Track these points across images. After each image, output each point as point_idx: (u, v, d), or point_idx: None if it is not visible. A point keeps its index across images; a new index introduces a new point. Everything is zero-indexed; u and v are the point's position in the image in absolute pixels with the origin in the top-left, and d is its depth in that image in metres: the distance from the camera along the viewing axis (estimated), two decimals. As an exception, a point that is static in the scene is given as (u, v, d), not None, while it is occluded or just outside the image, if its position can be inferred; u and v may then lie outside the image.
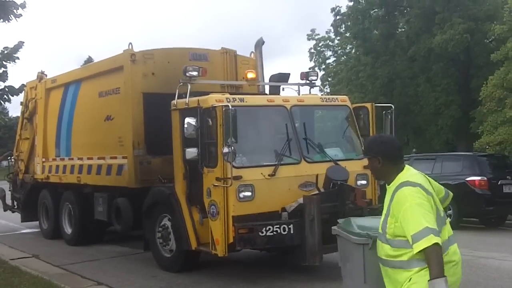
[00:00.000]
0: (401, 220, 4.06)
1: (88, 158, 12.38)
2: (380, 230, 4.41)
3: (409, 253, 4.02)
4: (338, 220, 5.96)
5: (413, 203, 4.03)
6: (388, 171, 4.36)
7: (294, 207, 8.93)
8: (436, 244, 3.90)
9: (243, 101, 9.28)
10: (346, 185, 9.36)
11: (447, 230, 4.26)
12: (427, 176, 4.38)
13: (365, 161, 10.29)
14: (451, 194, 4.72)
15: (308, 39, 39.92)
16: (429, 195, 4.12)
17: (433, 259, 3.91)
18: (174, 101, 9.68)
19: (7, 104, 14.48)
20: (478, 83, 24.41)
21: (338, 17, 31.69)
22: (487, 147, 20.80)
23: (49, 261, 11.51)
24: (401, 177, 4.25)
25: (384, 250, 4.27)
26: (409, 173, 4.29)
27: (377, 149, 4.41)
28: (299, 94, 11.03)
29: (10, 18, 12.02)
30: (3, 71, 12.93)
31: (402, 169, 4.31)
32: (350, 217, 6.07)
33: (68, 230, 13.71)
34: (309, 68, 34.24)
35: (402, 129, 27.88)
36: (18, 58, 12.86)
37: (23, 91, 14.78)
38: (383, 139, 4.61)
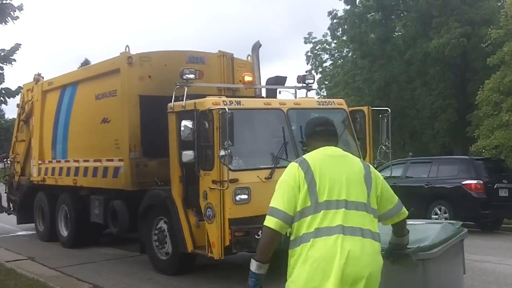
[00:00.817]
0: None
1: (85, 161, 12.36)
2: None
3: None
4: None
5: (280, 179, 3.88)
6: (309, 151, 4.07)
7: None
8: (267, 226, 3.71)
9: (240, 104, 9.29)
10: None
11: (325, 218, 3.66)
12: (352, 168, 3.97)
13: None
14: (404, 212, 4.22)
15: (305, 43, 40.03)
16: (305, 169, 3.78)
17: (261, 238, 3.83)
18: (171, 104, 9.68)
19: (3, 106, 14.47)
20: (474, 87, 24.44)
21: (335, 21, 31.73)
22: (483, 151, 20.83)
23: (45, 263, 11.49)
24: None
25: None
26: (312, 152, 4.00)
27: (304, 132, 4.27)
28: (295, 97, 11.04)
29: (7, 20, 12.00)
30: (0, 73, 12.90)
31: (321, 147, 4.02)
32: None
33: (64, 232, 13.68)
34: (306, 71, 34.16)
35: (399, 132, 27.92)
36: (14, 60, 12.83)
37: (20, 93, 14.74)
38: (308, 121, 4.33)
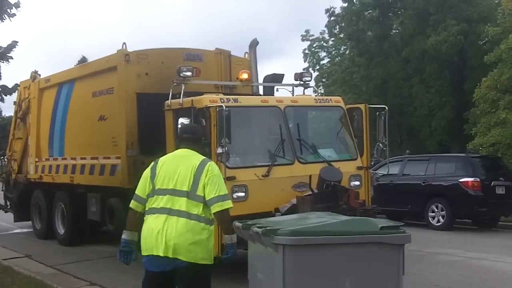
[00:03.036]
0: None
1: (81, 158, 12.35)
2: None
3: None
4: (237, 222, 6.03)
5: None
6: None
7: (287, 208, 8.94)
8: (129, 206, 5.27)
9: (237, 102, 9.30)
10: (340, 186, 9.38)
11: (157, 201, 5.03)
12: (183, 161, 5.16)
13: (359, 162, 10.40)
14: (223, 205, 5.03)
15: (302, 40, 40.00)
16: (153, 166, 5.24)
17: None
18: (168, 101, 9.67)
19: (0, 104, 14.46)
20: (471, 84, 24.43)
21: (332, 18, 31.69)
22: (480, 148, 20.86)
23: (42, 261, 11.47)
24: None
25: None
26: (174, 152, 5.45)
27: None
28: (293, 95, 11.04)
29: (4, 17, 12.01)
30: (-3, 70, 12.91)
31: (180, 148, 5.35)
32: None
33: (61, 230, 13.66)
34: (303, 69, 34.31)
35: (396, 130, 27.90)
36: (11, 57, 12.87)
37: (17, 91, 14.74)
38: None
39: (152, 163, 5.31)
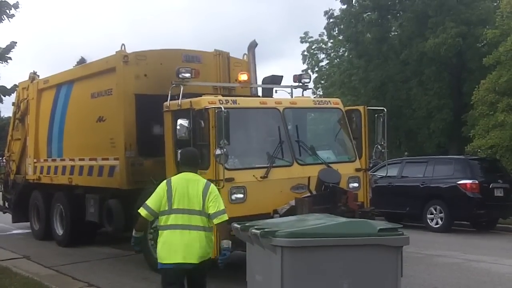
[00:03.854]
0: None
1: (80, 159, 12.34)
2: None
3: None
4: (235, 224, 6.33)
5: (156, 189, 6.31)
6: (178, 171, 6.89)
7: (286, 209, 8.93)
8: (140, 214, 6.26)
9: (236, 103, 9.29)
10: (338, 187, 9.38)
11: (174, 219, 6.12)
12: (192, 181, 6.25)
13: (357, 164, 10.40)
14: (222, 218, 6.14)
15: (301, 42, 40.07)
16: (168, 187, 6.20)
17: (138, 219, 6.37)
18: (167, 103, 9.67)
19: (-1, 105, 14.46)
20: (470, 87, 24.46)
21: (331, 20, 31.74)
22: (478, 150, 20.85)
23: (40, 262, 11.46)
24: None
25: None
26: (177, 175, 6.45)
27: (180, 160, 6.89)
28: (291, 97, 11.04)
29: (3, 18, 12.01)
30: (-5, 71, 12.90)
31: (184, 172, 6.39)
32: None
33: (59, 231, 13.65)
34: (302, 71, 34.38)
35: (394, 132, 27.95)
36: (10, 58, 12.88)
37: (15, 92, 14.73)
38: (181, 151, 6.93)
39: (165, 184, 6.28)
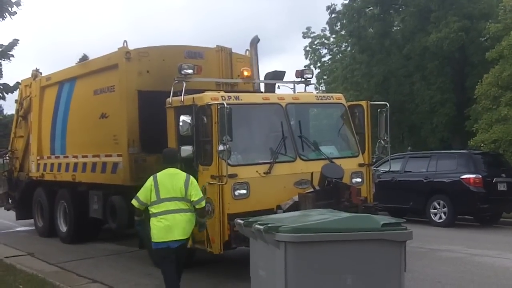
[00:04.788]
0: None
1: (83, 156, 12.36)
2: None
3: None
4: (239, 220, 6.42)
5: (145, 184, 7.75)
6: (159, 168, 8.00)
7: (289, 205, 8.94)
8: (133, 204, 7.78)
9: (238, 99, 9.29)
10: (341, 183, 9.37)
11: (165, 206, 7.54)
12: (175, 175, 7.75)
13: (360, 159, 10.40)
14: (201, 204, 7.69)
15: (304, 37, 40.00)
16: (154, 181, 7.65)
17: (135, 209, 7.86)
18: (169, 99, 9.67)
19: (1, 102, 14.52)
20: (473, 81, 24.40)
21: (333, 15, 31.64)
22: (481, 145, 20.79)
23: (44, 259, 11.51)
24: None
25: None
26: (162, 171, 7.80)
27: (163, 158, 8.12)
28: (294, 92, 11.03)
29: (5, 15, 12.01)
30: (-2, 69, 12.92)
31: (167, 168, 7.86)
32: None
33: (63, 228, 13.69)
34: (305, 66, 34.28)
35: (397, 127, 27.90)
36: (12, 55, 12.87)
37: (18, 89, 14.75)
38: (163, 151, 8.28)
39: (152, 179, 7.71)
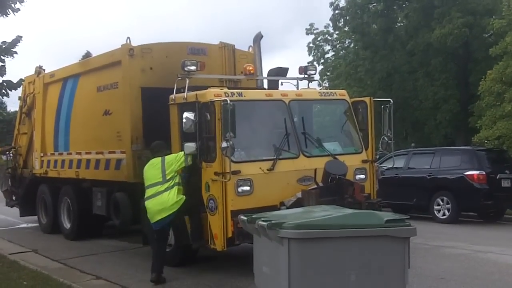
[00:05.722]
0: None
1: (87, 153, 12.37)
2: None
3: None
4: (242, 216, 6.17)
5: None
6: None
7: (292, 202, 8.94)
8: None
9: (242, 96, 9.29)
10: (345, 179, 9.37)
11: (148, 192, 9.03)
12: (163, 161, 9.06)
13: (364, 156, 10.39)
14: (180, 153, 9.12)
15: (307, 34, 39.82)
16: (144, 171, 9.21)
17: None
18: (172, 96, 9.67)
19: (5, 99, 14.52)
20: (476, 77, 24.36)
21: (336, 12, 31.57)
22: (485, 141, 20.79)
23: (48, 255, 11.52)
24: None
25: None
26: (152, 160, 9.24)
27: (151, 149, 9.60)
28: (297, 89, 11.01)
29: (8, 12, 11.99)
30: (1, 65, 12.89)
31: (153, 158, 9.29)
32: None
33: (66, 224, 13.71)
34: (308, 63, 34.18)
35: (401, 123, 27.87)
36: (16, 52, 12.82)
37: (21, 86, 14.74)
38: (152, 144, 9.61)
39: (144, 169, 9.29)
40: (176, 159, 9.00)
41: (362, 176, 10.20)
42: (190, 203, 9.13)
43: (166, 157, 9.04)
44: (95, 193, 12.36)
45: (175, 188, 8.88)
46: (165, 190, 8.80)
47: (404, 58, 28.96)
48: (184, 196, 8.98)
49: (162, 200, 8.80)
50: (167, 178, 8.85)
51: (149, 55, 10.82)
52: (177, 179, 8.93)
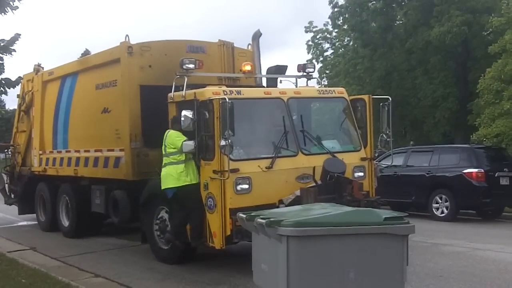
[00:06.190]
0: None
1: (85, 151, 12.37)
2: None
3: None
4: (241, 214, 6.32)
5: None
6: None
7: (291, 200, 8.94)
8: None
9: (240, 94, 9.28)
10: (343, 177, 9.37)
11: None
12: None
13: (363, 153, 10.39)
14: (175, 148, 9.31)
15: (306, 32, 39.81)
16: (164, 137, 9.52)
17: None
18: (171, 94, 9.67)
19: (3, 97, 14.51)
20: (475, 75, 24.35)
21: (336, 9, 31.56)
22: (484, 139, 20.79)
23: (46, 253, 11.51)
24: None
25: None
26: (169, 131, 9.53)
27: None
28: (296, 87, 11.01)
29: (7, 10, 11.96)
30: (0, 63, 12.88)
31: None
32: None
33: (65, 222, 13.71)
34: (307, 61, 34.08)
35: (400, 121, 27.86)
36: (14, 50, 12.80)
37: (20, 84, 14.74)
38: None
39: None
40: (170, 142, 9.36)
41: (361, 174, 10.20)
42: (191, 201, 9.14)
43: (169, 134, 9.38)
44: (93, 191, 12.36)
45: (172, 166, 9.22)
46: (165, 165, 9.33)
47: (403, 56, 28.96)
48: (188, 179, 9.14)
49: (164, 171, 9.32)
50: (167, 152, 9.35)
51: (148, 53, 10.82)
52: (182, 157, 9.17)
